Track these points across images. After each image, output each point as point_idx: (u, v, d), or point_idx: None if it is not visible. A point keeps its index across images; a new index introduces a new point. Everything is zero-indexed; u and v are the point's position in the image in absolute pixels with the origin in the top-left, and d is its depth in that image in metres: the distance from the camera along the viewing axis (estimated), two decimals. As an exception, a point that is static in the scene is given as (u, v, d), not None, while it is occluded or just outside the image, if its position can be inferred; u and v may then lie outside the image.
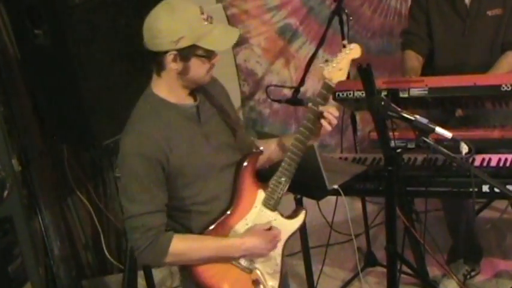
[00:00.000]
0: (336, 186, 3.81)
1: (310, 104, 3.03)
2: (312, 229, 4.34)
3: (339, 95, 4.03)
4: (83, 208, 4.91)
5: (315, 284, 4.42)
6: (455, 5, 4.36)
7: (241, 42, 5.49)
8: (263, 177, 3.15)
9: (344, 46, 3.10)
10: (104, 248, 4.87)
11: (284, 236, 3.12)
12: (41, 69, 4.07)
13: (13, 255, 4.50)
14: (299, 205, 3.23)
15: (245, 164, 3.06)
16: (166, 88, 2.91)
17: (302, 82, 4.59)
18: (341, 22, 4.65)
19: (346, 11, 4.65)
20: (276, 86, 5.27)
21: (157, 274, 4.80)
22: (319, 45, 4.61)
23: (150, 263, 3.56)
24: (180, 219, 3.00)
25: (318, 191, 3.73)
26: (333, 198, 4.10)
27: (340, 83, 4.10)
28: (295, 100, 4.58)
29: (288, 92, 4.78)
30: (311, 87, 5.14)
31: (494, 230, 4.92)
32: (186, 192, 2.95)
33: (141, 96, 2.96)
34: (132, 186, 2.85)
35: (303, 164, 3.10)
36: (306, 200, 3.95)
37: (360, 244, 4.87)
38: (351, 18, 4.77)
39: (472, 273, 4.67)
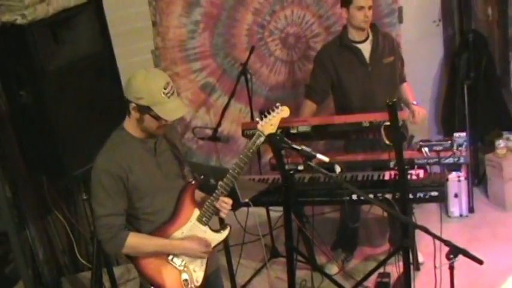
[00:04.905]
0: (247, 200, 3.87)
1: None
2: (231, 232, 4.32)
3: (246, 132, 4.00)
4: (59, 223, 4.80)
5: (235, 272, 4.41)
6: (358, 58, 4.30)
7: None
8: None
9: (277, 107, 3.05)
10: (77, 252, 4.80)
11: (212, 244, 3.15)
12: (25, 119, 3.98)
13: (8, 260, 4.52)
14: (225, 223, 3.28)
15: (187, 188, 3.11)
16: (132, 126, 2.98)
17: (219, 124, 4.70)
18: (246, 79, 4.74)
19: (250, 71, 4.78)
20: (200, 127, 5.24)
21: (116, 270, 4.67)
22: (231, 97, 4.73)
23: (112, 252, 3.50)
24: (133, 223, 3.06)
25: (234, 204, 3.70)
26: (245, 208, 4.14)
27: (246, 123, 4.20)
28: (215, 137, 4.68)
29: (209, 132, 4.79)
30: (226, 127, 5.13)
31: (363, 226, 4.97)
32: (139, 204, 3.01)
33: (115, 129, 3.02)
34: (100, 194, 2.92)
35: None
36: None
37: (267, 242, 4.84)
38: (253, 76, 4.87)
39: (348, 259, 4.76)
